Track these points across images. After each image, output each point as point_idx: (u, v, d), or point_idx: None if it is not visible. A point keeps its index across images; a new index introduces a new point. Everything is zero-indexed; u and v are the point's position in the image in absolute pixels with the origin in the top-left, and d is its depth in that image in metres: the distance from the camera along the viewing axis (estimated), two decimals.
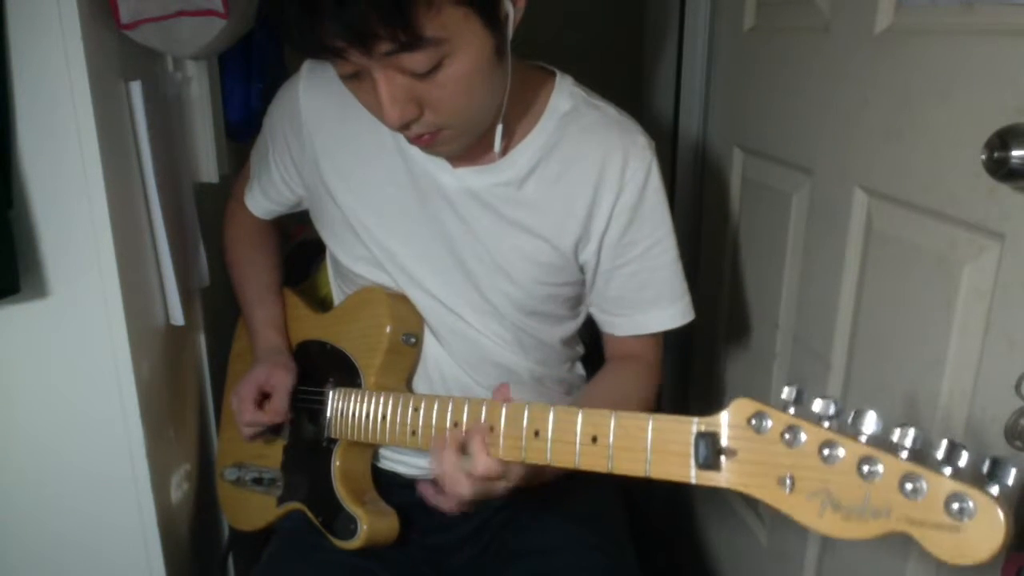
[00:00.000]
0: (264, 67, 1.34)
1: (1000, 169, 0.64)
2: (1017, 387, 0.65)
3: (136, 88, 0.92)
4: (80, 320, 0.88)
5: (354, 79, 0.74)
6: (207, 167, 1.18)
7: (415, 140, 0.78)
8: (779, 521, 1.17)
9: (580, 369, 1.05)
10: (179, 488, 1.07)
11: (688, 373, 1.53)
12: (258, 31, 1.23)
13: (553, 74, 0.90)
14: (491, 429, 0.72)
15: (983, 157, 0.65)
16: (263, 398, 0.97)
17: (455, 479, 0.73)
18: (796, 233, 1.09)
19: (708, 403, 1.44)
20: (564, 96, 0.88)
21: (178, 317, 1.04)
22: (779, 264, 1.12)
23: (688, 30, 1.44)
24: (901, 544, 0.86)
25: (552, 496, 0.96)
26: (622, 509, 1.05)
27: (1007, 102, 0.68)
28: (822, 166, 1.00)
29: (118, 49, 0.91)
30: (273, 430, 1.00)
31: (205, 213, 1.16)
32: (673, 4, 1.50)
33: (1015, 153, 0.63)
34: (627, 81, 1.81)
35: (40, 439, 0.91)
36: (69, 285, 0.86)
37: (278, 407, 0.95)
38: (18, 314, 0.85)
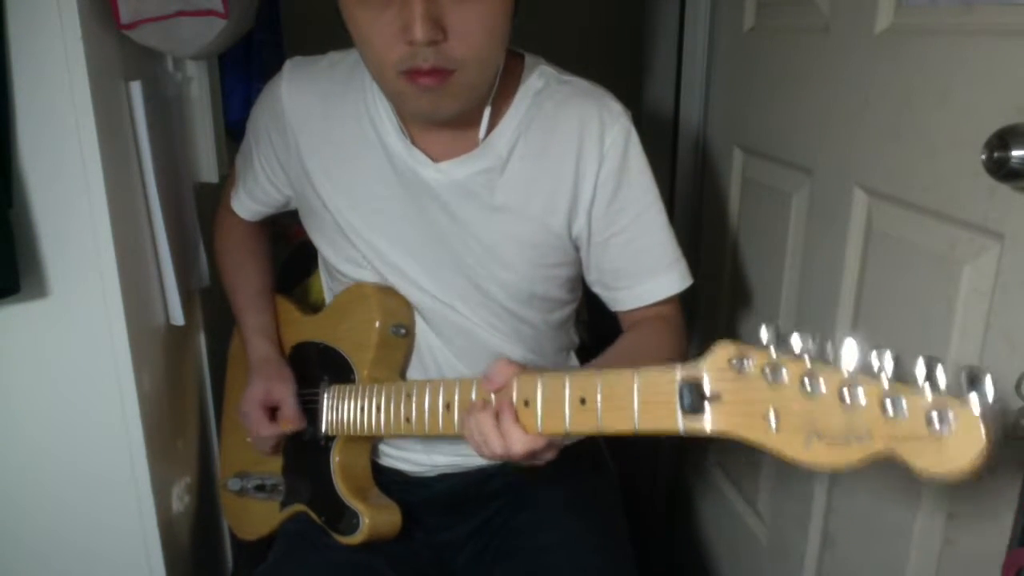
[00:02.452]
0: (264, 67, 1.34)
1: (1000, 169, 0.64)
2: (1017, 387, 0.65)
3: (136, 88, 0.92)
4: (80, 320, 0.88)
5: (378, 3, 0.72)
6: (207, 167, 1.18)
7: (426, 76, 0.74)
8: (779, 520, 1.17)
9: (575, 360, 1.05)
10: (180, 489, 1.07)
11: None
12: (258, 31, 1.23)
13: (522, 56, 0.91)
14: (526, 403, 0.71)
15: (983, 157, 0.65)
16: (272, 411, 0.98)
17: (491, 442, 0.72)
18: (796, 233, 1.09)
19: None
20: (535, 75, 0.89)
21: (178, 317, 1.04)
22: (779, 264, 1.12)
23: (688, 30, 1.44)
24: (901, 540, 0.87)
25: (553, 494, 0.97)
26: (622, 508, 1.05)
27: (1007, 102, 0.68)
28: (822, 166, 1.01)
29: (118, 49, 0.91)
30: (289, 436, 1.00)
31: (205, 213, 1.16)
32: (673, 4, 1.50)
33: (1015, 153, 0.63)
34: (627, 81, 1.81)
35: (40, 440, 0.91)
36: (69, 285, 0.86)
37: (291, 414, 0.96)
38: (18, 314, 0.85)
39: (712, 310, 1.37)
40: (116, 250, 0.87)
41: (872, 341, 0.92)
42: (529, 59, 0.90)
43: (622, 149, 0.87)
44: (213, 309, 1.22)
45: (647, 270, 0.92)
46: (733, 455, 1.35)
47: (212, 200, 1.19)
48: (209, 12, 0.90)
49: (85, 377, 0.90)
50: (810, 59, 1.03)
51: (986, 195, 0.71)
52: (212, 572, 1.23)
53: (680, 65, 1.48)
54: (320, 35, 1.02)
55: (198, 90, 1.14)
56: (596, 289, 0.96)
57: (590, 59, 1.41)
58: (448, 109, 0.79)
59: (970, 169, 0.70)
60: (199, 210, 1.15)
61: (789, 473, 1.11)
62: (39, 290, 0.86)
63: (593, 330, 1.04)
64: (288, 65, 0.94)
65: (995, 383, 0.72)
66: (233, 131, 1.30)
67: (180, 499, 1.07)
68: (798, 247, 1.08)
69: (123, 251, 0.88)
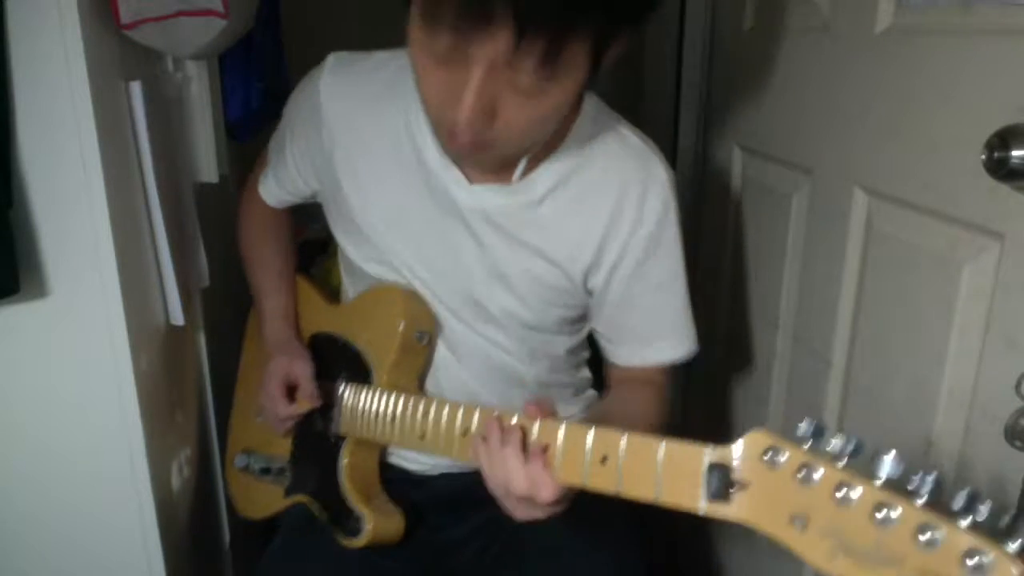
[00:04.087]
0: (264, 67, 1.34)
1: (1000, 169, 0.64)
2: (1017, 387, 0.65)
3: (136, 88, 0.92)
4: (80, 320, 0.88)
5: (440, 61, 0.66)
6: (207, 167, 1.18)
7: (459, 145, 0.70)
8: None
9: (586, 371, 1.05)
10: (178, 485, 1.07)
11: (688, 373, 1.53)
12: (258, 31, 1.23)
13: (581, 96, 0.86)
14: (545, 449, 0.69)
15: (983, 157, 0.65)
16: (290, 390, 0.97)
17: (514, 480, 0.69)
18: (796, 233, 1.09)
19: (708, 404, 1.44)
20: (588, 120, 0.86)
21: (178, 317, 1.04)
22: (779, 264, 1.12)
23: (688, 30, 1.44)
24: None
25: None
26: (625, 508, 1.04)
27: (1007, 102, 0.68)
28: (822, 166, 1.00)
29: (118, 49, 0.91)
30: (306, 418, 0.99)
31: (205, 213, 1.16)
32: (673, 4, 1.50)
33: (1015, 153, 0.63)
34: (627, 80, 1.81)
35: (40, 439, 0.91)
36: (69, 285, 0.86)
37: (309, 392, 0.95)
38: (18, 314, 0.85)
39: (712, 310, 1.37)
40: (116, 250, 0.86)
41: (872, 342, 0.92)
42: (587, 101, 0.86)
43: (660, 217, 0.86)
44: (213, 309, 1.22)
45: (656, 334, 0.93)
46: None
47: (212, 200, 1.19)
48: (209, 12, 0.90)
49: (85, 377, 0.90)
50: (810, 59, 1.03)
51: (986, 195, 0.71)
52: (211, 568, 1.23)
53: (680, 65, 1.48)
54: (320, 35, 1.02)
55: (198, 90, 1.14)
56: (598, 336, 0.97)
57: None
58: (484, 166, 0.80)
59: (970, 169, 0.70)
60: (199, 210, 1.15)
61: None
62: (39, 290, 0.86)
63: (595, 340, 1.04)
64: (331, 60, 0.92)
65: (994, 383, 0.72)
66: (233, 131, 1.30)
67: (179, 496, 1.07)
68: (798, 247, 1.08)
69: (123, 251, 0.88)
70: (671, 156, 1.52)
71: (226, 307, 1.10)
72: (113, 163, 0.86)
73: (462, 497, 0.99)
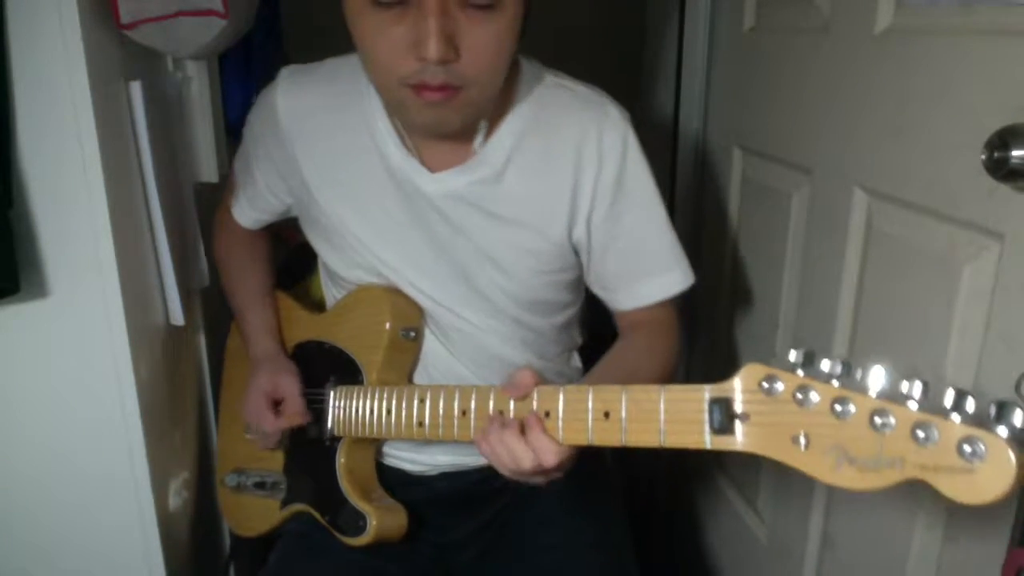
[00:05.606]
0: (264, 67, 1.34)
1: (1000, 169, 0.64)
2: (1017, 387, 0.65)
3: (136, 88, 0.92)
4: (80, 320, 0.88)
5: (392, 7, 0.71)
6: (207, 167, 1.18)
7: (433, 91, 0.74)
8: (779, 520, 1.17)
9: (577, 361, 1.05)
10: (179, 488, 1.07)
11: (688, 373, 1.53)
12: (258, 31, 1.23)
13: (518, 61, 0.88)
14: (547, 415, 0.71)
15: (983, 157, 0.66)
16: (275, 405, 0.97)
17: (520, 457, 0.71)
18: (796, 233, 1.09)
19: None
20: (532, 79, 0.88)
21: (178, 317, 1.04)
22: (779, 264, 1.12)
23: (688, 30, 1.44)
24: (901, 540, 0.87)
25: (554, 494, 0.97)
26: (623, 507, 1.05)
27: (1007, 102, 0.68)
28: (822, 166, 1.01)
29: (118, 49, 0.91)
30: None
31: (205, 213, 1.16)
32: (673, 4, 1.50)
33: (1015, 153, 0.63)
34: (627, 81, 1.81)
35: (40, 439, 0.92)
36: (69, 285, 0.87)
37: (297, 409, 0.95)
38: (18, 314, 0.85)
39: (712, 310, 1.37)
40: (116, 250, 0.87)
41: (872, 341, 0.92)
42: (525, 64, 0.89)
43: (619, 156, 0.86)
44: (213, 309, 1.22)
45: (645, 271, 0.92)
46: (734, 456, 1.35)
47: (212, 200, 1.19)
48: (209, 12, 0.90)
49: (85, 377, 0.90)
50: (810, 59, 1.03)
51: (986, 195, 0.71)
52: (212, 569, 1.23)
53: (680, 65, 1.48)
54: (320, 35, 1.02)
55: (198, 90, 1.14)
56: (595, 289, 0.96)
57: (590, 59, 1.41)
58: (451, 124, 0.79)
59: (970, 169, 0.70)
60: (199, 210, 1.15)
61: (789, 473, 1.11)
62: (39, 290, 0.86)
63: (592, 329, 1.04)
64: (284, 73, 0.92)
65: (994, 383, 0.72)
66: (233, 131, 1.30)
67: (179, 495, 1.07)
68: (798, 247, 1.08)
69: (123, 251, 0.88)
70: (671, 156, 1.52)
71: (226, 307, 1.10)
72: (113, 163, 0.87)
73: (461, 497, 0.99)
